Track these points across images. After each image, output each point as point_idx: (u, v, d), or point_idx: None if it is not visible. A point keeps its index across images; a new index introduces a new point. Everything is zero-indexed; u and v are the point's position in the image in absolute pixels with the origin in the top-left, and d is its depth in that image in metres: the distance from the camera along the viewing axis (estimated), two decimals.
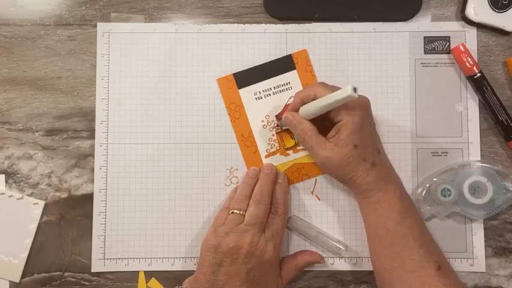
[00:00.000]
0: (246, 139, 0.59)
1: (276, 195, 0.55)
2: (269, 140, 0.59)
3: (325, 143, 0.52)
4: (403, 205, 0.52)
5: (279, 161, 0.59)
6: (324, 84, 0.54)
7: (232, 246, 0.51)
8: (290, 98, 0.59)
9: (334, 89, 0.53)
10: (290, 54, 0.59)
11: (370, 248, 0.55)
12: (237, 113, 0.59)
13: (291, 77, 0.59)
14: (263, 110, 0.59)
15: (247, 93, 0.59)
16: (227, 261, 0.51)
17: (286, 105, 0.59)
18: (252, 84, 0.59)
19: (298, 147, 0.59)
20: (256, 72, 0.59)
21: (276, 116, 0.59)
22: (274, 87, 0.59)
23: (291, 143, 0.59)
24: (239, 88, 0.59)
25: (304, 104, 0.54)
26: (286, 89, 0.59)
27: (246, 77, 0.59)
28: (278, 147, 0.59)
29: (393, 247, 0.52)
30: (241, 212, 0.53)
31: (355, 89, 0.47)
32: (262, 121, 0.59)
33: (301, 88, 0.59)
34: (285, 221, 0.56)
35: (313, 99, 0.53)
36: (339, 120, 0.52)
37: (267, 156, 0.59)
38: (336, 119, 0.52)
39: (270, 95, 0.59)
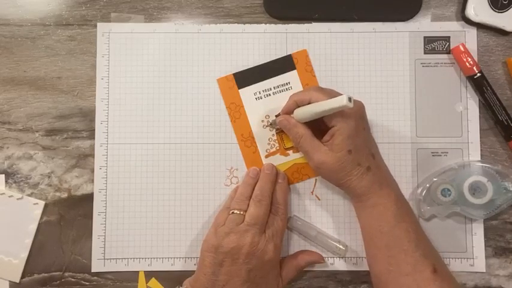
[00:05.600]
0: (246, 139, 0.59)
1: (276, 195, 0.55)
2: (269, 140, 0.59)
3: (320, 146, 0.53)
4: (399, 209, 0.53)
5: (279, 161, 0.59)
6: (319, 89, 0.54)
7: (232, 247, 0.51)
8: None
9: (329, 93, 0.53)
10: (290, 54, 0.59)
11: (366, 251, 0.55)
12: (237, 113, 0.59)
13: (291, 77, 0.59)
14: (263, 110, 0.59)
15: (247, 93, 0.59)
16: (228, 262, 0.51)
17: None
18: (252, 84, 0.59)
19: None
20: (256, 72, 0.59)
21: (276, 117, 0.59)
22: (274, 87, 0.59)
23: (291, 143, 0.59)
24: (239, 88, 0.59)
25: (299, 106, 0.54)
26: (286, 89, 0.59)
27: (246, 77, 0.59)
28: (278, 147, 0.59)
29: (389, 250, 0.52)
30: (242, 212, 0.53)
31: (350, 99, 0.47)
32: (262, 121, 0.59)
33: (301, 88, 0.59)
34: (286, 221, 0.56)
35: (308, 103, 0.53)
36: (333, 125, 0.52)
37: (267, 156, 0.59)
38: (330, 124, 0.52)
39: (270, 95, 0.59)
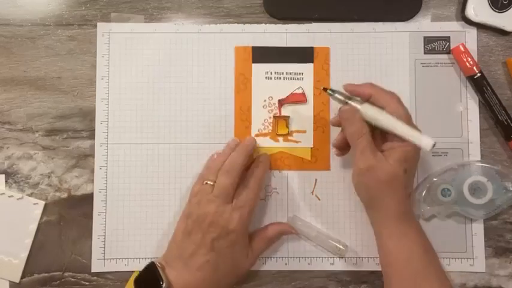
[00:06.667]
0: (243, 112, 0.59)
1: (253, 169, 0.55)
2: (264, 120, 0.59)
3: (376, 152, 0.50)
4: (423, 239, 0.52)
5: (266, 143, 0.59)
6: (400, 101, 0.51)
7: (198, 215, 0.52)
8: (298, 88, 0.59)
9: (408, 115, 0.51)
10: (312, 47, 0.59)
11: (386, 280, 0.52)
12: (242, 85, 0.59)
13: (306, 69, 0.59)
14: (268, 90, 0.59)
15: (259, 69, 0.59)
16: (195, 230, 0.52)
17: (292, 94, 0.59)
18: (267, 62, 0.59)
19: (289, 137, 0.59)
20: (274, 52, 0.59)
21: (279, 101, 0.59)
22: (286, 73, 0.59)
23: (284, 130, 0.59)
24: (253, 62, 0.59)
25: (368, 102, 0.51)
26: (298, 78, 0.59)
27: (264, 54, 0.59)
28: (270, 131, 0.59)
29: (414, 281, 0.50)
30: (213, 183, 0.53)
31: (434, 145, 0.47)
32: (265, 101, 0.59)
33: (311, 83, 0.59)
34: (258, 195, 0.54)
35: (381, 107, 0.50)
36: (399, 140, 0.50)
37: (256, 135, 0.59)
38: (397, 137, 0.50)
39: (280, 78, 0.59)
